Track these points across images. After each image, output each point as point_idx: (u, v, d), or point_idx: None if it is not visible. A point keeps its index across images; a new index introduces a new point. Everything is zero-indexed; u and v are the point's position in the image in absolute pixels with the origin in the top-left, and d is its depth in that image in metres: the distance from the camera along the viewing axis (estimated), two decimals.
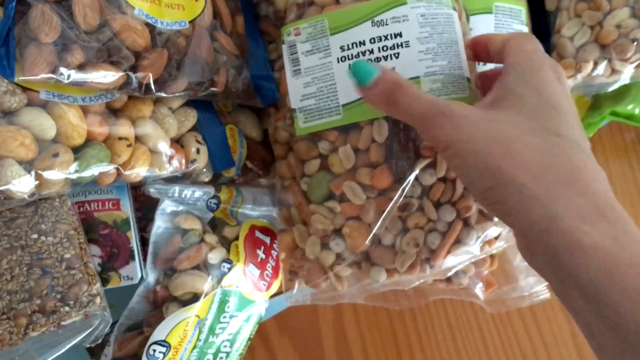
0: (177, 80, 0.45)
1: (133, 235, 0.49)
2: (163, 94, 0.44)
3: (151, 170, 0.46)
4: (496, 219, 0.44)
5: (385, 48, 0.43)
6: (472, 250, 0.45)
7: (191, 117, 0.49)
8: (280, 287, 0.52)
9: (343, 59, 0.44)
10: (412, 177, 0.43)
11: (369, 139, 0.43)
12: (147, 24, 0.43)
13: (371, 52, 0.43)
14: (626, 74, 0.56)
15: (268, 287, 0.54)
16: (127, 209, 0.49)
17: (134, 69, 0.42)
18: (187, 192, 0.50)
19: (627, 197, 0.68)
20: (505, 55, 0.40)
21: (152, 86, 0.43)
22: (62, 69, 0.39)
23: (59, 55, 0.39)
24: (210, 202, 0.51)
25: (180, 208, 0.50)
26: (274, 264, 0.54)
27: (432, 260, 0.44)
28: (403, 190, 0.43)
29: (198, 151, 0.49)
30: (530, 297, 0.50)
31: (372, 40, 0.43)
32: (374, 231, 0.43)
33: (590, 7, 0.55)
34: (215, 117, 0.52)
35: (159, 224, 0.49)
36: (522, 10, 0.56)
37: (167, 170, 0.47)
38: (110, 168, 0.43)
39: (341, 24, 0.44)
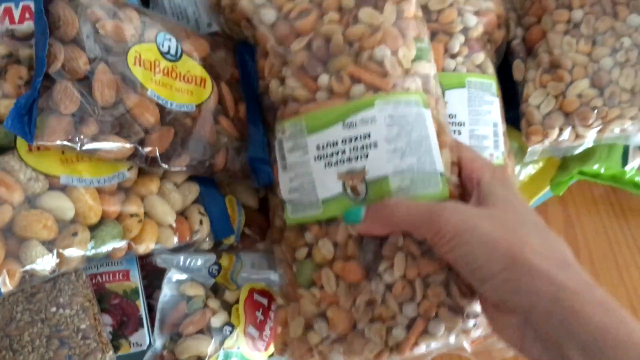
0: (181, 156, 0.48)
1: (142, 304, 0.52)
2: (166, 167, 0.48)
3: (159, 243, 0.49)
4: (466, 313, 0.45)
5: (355, 149, 0.44)
6: (443, 341, 0.45)
7: (194, 190, 0.53)
8: None
9: (319, 157, 0.46)
10: (376, 274, 0.44)
11: (345, 233, 0.45)
12: (158, 104, 0.47)
13: (343, 152, 0.45)
14: (589, 138, 0.60)
15: (267, 347, 0.56)
16: (136, 279, 0.52)
17: (142, 142, 0.46)
18: (191, 261, 0.53)
19: (599, 250, 0.72)
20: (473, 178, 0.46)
21: (158, 159, 0.47)
22: (77, 138, 0.42)
23: (76, 126, 0.42)
24: (212, 269, 0.54)
25: (185, 276, 0.53)
26: (271, 325, 0.56)
27: (398, 354, 0.44)
28: (369, 286, 0.44)
29: (201, 222, 0.52)
30: None
31: (344, 141, 0.45)
32: (352, 316, 0.45)
33: (554, 79, 0.59)
34: (215, 189, 0.55)
35: (166, 292, 0.51)
36: (492, 84, 0.59)
37: (173, 241, 0.50)
38: (122, 243, 0.47)
39: (317, 124, 0.46)
